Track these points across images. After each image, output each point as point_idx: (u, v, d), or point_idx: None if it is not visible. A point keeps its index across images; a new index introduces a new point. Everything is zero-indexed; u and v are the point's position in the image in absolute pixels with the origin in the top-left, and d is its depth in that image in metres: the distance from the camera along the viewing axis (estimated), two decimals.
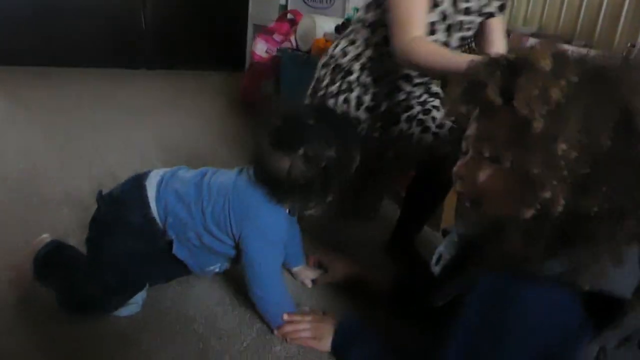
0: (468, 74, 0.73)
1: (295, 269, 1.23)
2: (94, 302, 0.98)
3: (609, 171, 0.62)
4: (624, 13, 1.82)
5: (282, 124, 0.92)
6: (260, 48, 2.51)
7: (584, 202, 0.63)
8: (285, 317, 1.00)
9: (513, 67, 0.67)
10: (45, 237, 1.09)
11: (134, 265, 1.00)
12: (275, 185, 0.94)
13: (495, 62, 0.70)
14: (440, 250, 0.92)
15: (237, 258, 1.05)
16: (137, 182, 1.02)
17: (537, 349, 0.69)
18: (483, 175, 0.72)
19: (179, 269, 1.09)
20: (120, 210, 1.00)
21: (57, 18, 3.51)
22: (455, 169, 0.77)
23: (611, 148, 0.61)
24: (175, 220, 1.00)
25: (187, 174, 1.05)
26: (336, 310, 1.11)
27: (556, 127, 0.62)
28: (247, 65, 3.22)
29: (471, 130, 0.75)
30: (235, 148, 2.23)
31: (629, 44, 1.73)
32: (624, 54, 1.68)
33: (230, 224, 0.98)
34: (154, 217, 1.00)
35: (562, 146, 0.61)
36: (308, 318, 1.01)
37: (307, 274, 1.22)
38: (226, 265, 1.11)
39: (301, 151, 0.90)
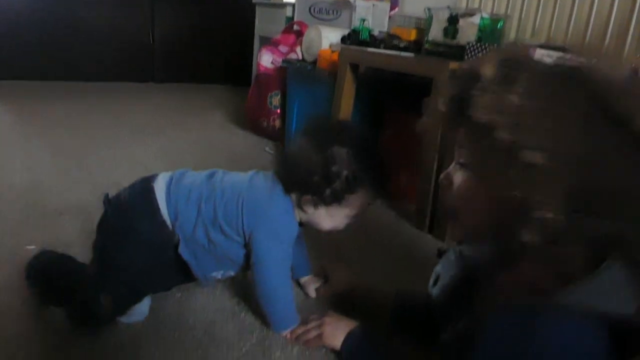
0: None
1: (302, 280, 1.20)
2: (102, 312, 0.96)
3: (600, 174, 0.57)
4: (632, 25, 1.81)
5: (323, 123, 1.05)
6: (265, 59, 2.52)
7: (587, 219, 0.57)
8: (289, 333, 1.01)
9: (468, 77, 0.66)
10: (32, 248, 1.09)
11: (143, 274, 0.99)
12: (295, 175, 0.96)
13: (454, 73, 0.71)
14: (438, 271, 0.90)
15: (245, 263, 1.03)
16: (145, 185, 1.01)
17: None
18: (457, 180, 0.71)
19: (184, 277, 1.08)
20: (129, 217, 0.99)
21: (64, 33, 3.58)
22: (440, 176, 0.76)
23: (591, 147, 0.57)
24: (184, 219, 0.99)
25: (196, 173, 1.06)
26: None
27: (521, 135, 0.58)
28: (254, 73, 3.23)
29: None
30: (240, 162, 2.23)
31: (638, 55, 1.72)
32: (633, 65, 1.67)
33: (243, 221, 0.97)
34: (164, 220, 0.99)
35: (534, 154, 0.57)
36: (319, 321, 1.00)
37: (314, 284, 1.20)
38: (230, 272, 1.09)
39: (335, 149, 0.92)
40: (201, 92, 3.92)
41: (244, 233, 0.98)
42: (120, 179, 1.78)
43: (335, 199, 0.95)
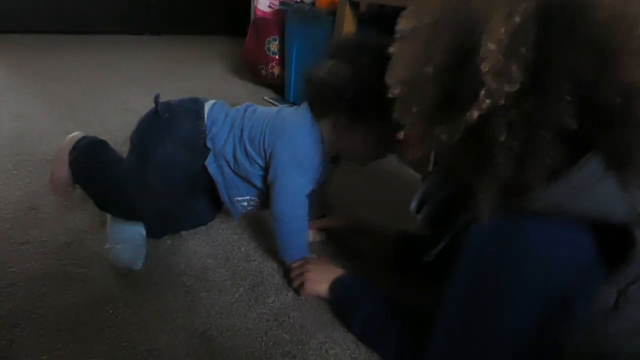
0: None
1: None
2: (132, 203, 0.98)
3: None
4: None
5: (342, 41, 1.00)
6: (262, 3, 2.40)
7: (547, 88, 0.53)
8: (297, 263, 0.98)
9: None
10: (76, 134, 1.06)
11: (178, 174, 0.98)
12: (326, 95, 0.91)
13: None
14: (420, 195, 0.84)
15: (267, 189, 1.00)
16: (195, 99, 1.03)
17: (547, 293, 0.62)
18: None
19: (209, 209, 1.10)
20: (175, 116, 0.98)
21: None
22: None
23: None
24: (218, 132, 0.98)
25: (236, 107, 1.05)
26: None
27: None
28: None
29: None
30: None
31: None
32: None
33: (264, 139, 0.95)
34: (204, 130, 0.97)
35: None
36: (301, 269, 0.96)
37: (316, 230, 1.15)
38: (254, 201, 1.05)
39: (365, 60, 0.87)
40: (199, 44, 3.79)
41: (264, 152, 0.96)
42: (114, 128, 1.75)
43: (372, 109, 0.86)
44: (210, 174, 0.99)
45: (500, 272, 0.64)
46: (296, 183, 0.95)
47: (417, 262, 1.01)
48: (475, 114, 0.53)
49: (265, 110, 1.02)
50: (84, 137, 1.04)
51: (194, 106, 1.00)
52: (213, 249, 1.08)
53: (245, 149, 0.97)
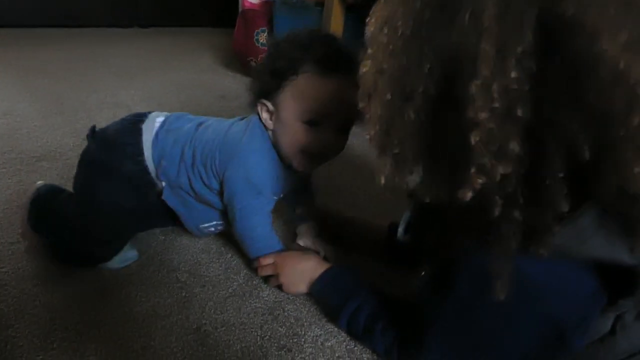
0: None
1: (298, 229, 1.08)
2: (85, 253, 0.93)
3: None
4: None
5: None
6: None
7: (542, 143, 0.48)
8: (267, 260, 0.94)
9: None
10: (39, 184, 1.03)
11: (124, 215, 0.94)
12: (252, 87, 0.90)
13: None
14: (408, 217, 0.84)
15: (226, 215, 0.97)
16: (134, 124, 0.95)
17: (543, 322, 0.61)
18: None
19: (172, 222, 1.03)
20: (112, 154, 0.93)
21: None
22: None
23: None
24: (169, 163, 0.92)
25: (192, 117, 0.99)
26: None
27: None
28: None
29: None
30: (229, 101, 2.15)
31: None
32: None
33: (216, 163, 0.90)
34: (146, 166, 0.93)
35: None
36: (272, 264, 0.94)
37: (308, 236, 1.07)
38: (222, 224, 1.03)
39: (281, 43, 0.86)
40: (188, 35, 3.75)
41: (218, 175, 0.91)
42: (103, 123, 1.71)
43: (275, 83, 0.84)
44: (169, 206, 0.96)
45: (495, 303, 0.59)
46: (252, 205, 0.91)
47: (408, 252, 1.03)
48: (467, 194, 0.47)
49: (217, 127, 0.94)
50: (45, 186, 1.02)
51: (133, 138, 0.92)
52: (206, 244, 1.08)
53: (201, 177, 0.92)
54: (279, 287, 0.93)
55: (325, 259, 0.97)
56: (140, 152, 0.92)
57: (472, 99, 0.45)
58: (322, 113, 0.83)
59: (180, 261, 1.01)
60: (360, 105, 0.58)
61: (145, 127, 0.94)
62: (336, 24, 1.84)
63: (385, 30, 0.53)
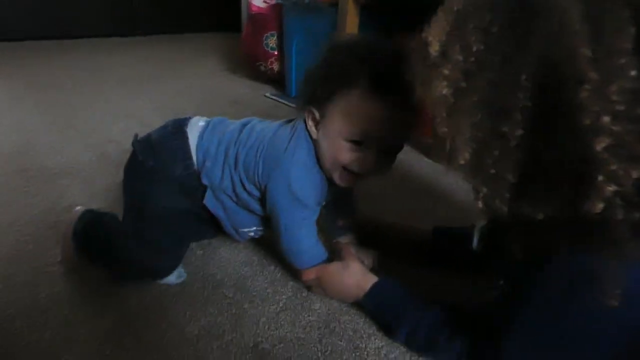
0: None
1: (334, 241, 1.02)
2: (146, 266, 0.90)
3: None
4: None
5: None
6: None
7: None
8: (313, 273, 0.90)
9: None
10: (78, 209, 1.00)
11: (181, 220, 0.92)
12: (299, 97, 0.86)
13: None
14: (482, 227, 0.78)
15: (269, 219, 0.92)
16: (178, 128, 0.92)
17: (634, 330, 0.57)
18: None
19: (217, 229, 1.00)
20: (161, 160, 0.90)
21: None
22: None
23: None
24: (213, 164, 0.89)
25: (233, 121, 0.96)
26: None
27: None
28: (243, 20, 3.04)
29: None
30: (243, 106, 2.11)
31: None
32: None
33: (258, 172, 0.86)
34: (195, 170, 0.90)
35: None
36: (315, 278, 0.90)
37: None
38: (262, 230, 0.99)
39: (335, 54, 0.79)
40: (189, 42, 3.72)
41: (259, 184, 0.87)
42: (116, 136, 1.69)
43: (325, 92, 0.79)
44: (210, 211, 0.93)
45: (584, 308, 0.58)
46: (297, 218, 0.87)
47: (456, 255, 0.99)
48: (597, 205, 0.44)
49: (262, 131, 0.90)
50: (87, 212, 0.98)
51: (180, 142, 0.89)
52: (247, 256, 1.04)
53: (242, 182, 0.88)
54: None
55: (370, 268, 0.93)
56: (189, 155, 0.89)
57: (584, 106, 0.42)
58: (370, 134, 0.78)
59: (223, 276, 0.97)
60: (441, 130, 0.54)
61: (189, 130, 0.91)
62: (351, 24, 1.80)
63: (457, 48, 0.50)
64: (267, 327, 0.84)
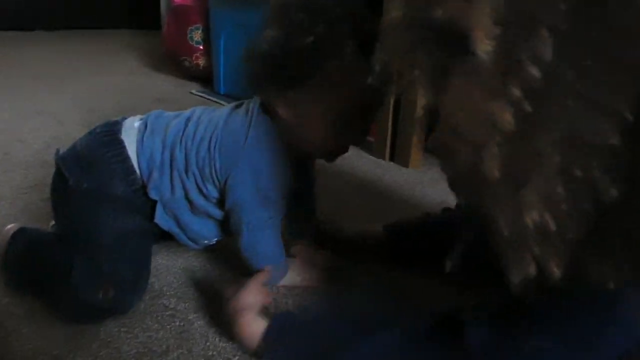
0: None
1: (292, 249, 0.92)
2: (102, 304, 0.74)
3: None
4: None
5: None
6: None
7: None
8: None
9: None
10: (10, 228, 0.84)
11: (135, 241, 0.79)
12: (257, 72, 0.72)
13: None
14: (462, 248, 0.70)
15: (226, 225, 0.82)
16: (110, 135, 0.78)
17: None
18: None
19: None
20: (95, 177, 0.76)
21: None
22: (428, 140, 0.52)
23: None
24: (160, 174, 0.77)
25: (172, 114, 0.83)
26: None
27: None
28: (163, 16, 2.87)
29: None
30: (167, 104, 1.98)
31: None
32: None
33: (216, 167, 0.76)
34: (140, 185, 0.78)
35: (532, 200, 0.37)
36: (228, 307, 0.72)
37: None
38: (222, 237, 0.88)
39: (294, 15, 0.67)
40: (102, 38, 3.47)
41: (218, 181, 0.77)
42: (28, 136, 1.50)
43: (300, 75, 0.68)
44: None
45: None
46: (262, 218, 0.78)
47: (413, 248, 0.95)
48: None
49: (209, 121, 0.78)
50: (18, 233, 0.83)
51: (116, 153, 0.76)
52: (187, 261, 0.93)
53: (196, 183, 0.77)
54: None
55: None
56: (130, 170, 0.77)
57: None
58: (362, 104, 0.71)
59: (162, 284, 0.86)
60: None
61: (125, 136, 0.78)
62: None
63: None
64: (218, 339, 0.75)
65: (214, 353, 0.72)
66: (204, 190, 0.78)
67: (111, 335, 0.73)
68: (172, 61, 2.37)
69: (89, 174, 0.76)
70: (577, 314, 0.46)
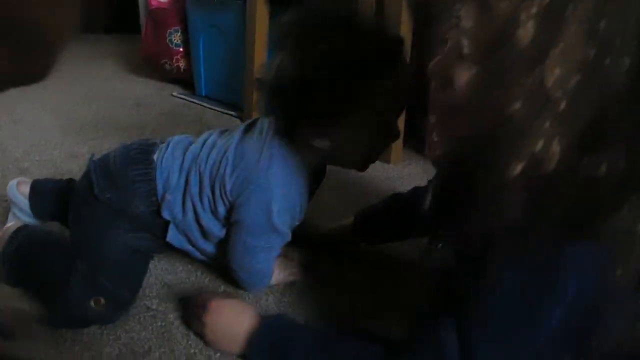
0: None
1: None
2: (91, 316, 0.75)
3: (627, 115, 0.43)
4: None
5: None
6: None
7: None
8: None
9: None
10: (10, 226, 0.84)
11: (141, 261, 0.82)
12: (278, 97, 0.72)
13: None
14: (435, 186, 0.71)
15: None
16: (143, 155, 0.79)
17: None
18: (460, 79, 0.52)
19: None
20: (120, 193, 0.77)
21: None
22: (430, 65, 0.57)
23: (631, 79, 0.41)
24: (174, 197, 0.78)
25: (194, 139, 0.84)
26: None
27: (548, 39, 0.42)
28: (141, 20, 2.86)
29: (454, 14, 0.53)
30: (147, 108, 1.97)
31: None
32: None
33: (226, 188, 0.76)
34: (157, 205, 0.79)
35: (555, 71, 0.42)
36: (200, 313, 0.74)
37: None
38: None
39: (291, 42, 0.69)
40: (79, 43, 3.42)
41: (229, 202, 0.77)
42: (7, 145, 1.49)
43: (344, 107, 0.68)
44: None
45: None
46: (262, 243, 0.79)
47: (380, 224, 0.97)
48: None
49: (223, 145, 0.79)
50: (19, 230, 0.84)
51: (146, 173, 0.77)
52: (169, 262, 0.94)
53: (209, 204, 0.78)
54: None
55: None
56: (153, 190, 0.77)
57: None
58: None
59: (144, 286, 0.86)
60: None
61: (157, 157, 0.79)
62: (261, 18, 1.74)
63: None
64: (199, 337, 0.76)
65: (196, 351, 0.73)
66: (213, 208, 0.79)
67: (93, 338, 0.74)
68: (152, 65, 2.36)
69: (113, 187, 0.77)
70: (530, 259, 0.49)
